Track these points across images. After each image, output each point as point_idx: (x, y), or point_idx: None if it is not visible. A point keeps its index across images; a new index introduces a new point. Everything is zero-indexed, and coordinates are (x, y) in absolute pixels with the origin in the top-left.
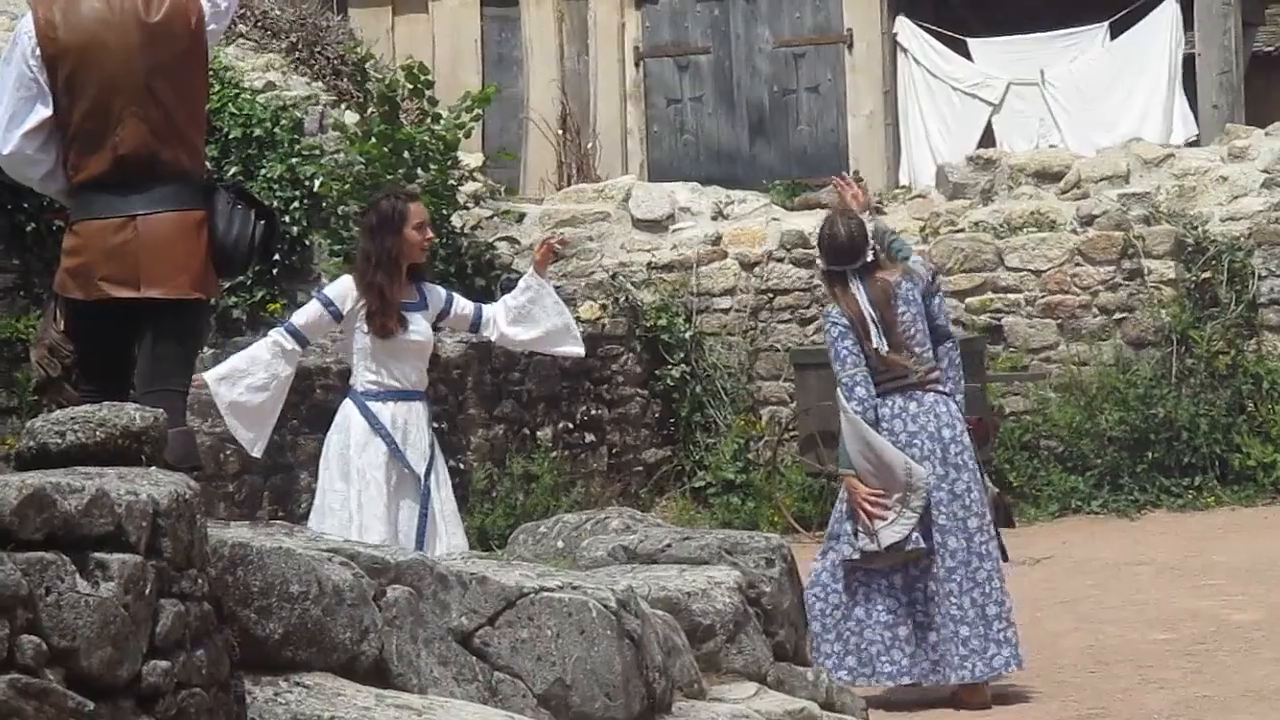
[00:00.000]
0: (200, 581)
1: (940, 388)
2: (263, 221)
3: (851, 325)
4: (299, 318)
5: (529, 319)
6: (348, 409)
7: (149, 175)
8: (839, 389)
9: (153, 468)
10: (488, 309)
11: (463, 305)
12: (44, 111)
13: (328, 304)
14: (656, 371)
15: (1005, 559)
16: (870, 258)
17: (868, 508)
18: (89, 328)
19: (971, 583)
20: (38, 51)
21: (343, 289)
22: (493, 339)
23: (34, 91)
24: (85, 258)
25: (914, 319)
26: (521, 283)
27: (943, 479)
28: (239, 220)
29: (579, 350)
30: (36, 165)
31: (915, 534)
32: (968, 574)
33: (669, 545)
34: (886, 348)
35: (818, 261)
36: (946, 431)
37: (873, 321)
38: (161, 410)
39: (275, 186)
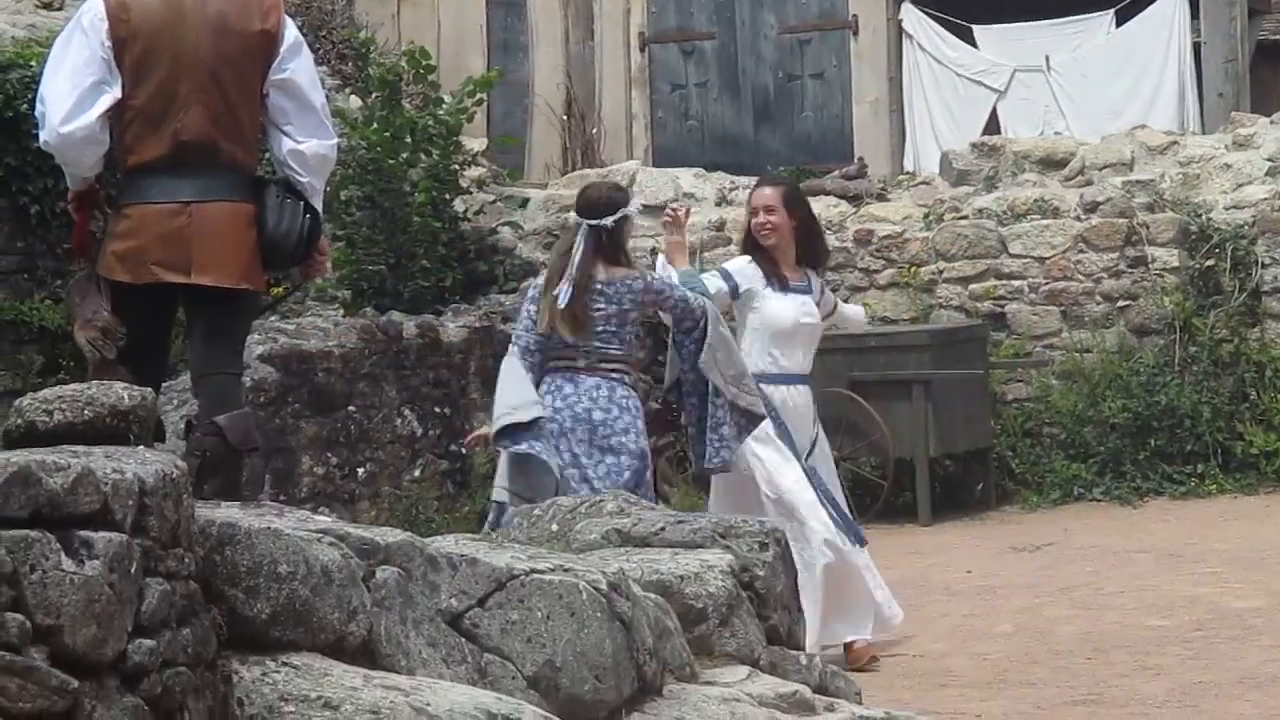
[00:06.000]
0: (187, 560)
1: (613, 375)
2: (309, 215)
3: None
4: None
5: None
6: None
7: (206, 164)
8: (511, 343)
9: (140, 446)
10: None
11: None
12: (115, 93)
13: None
14: (660, 357)
15: None
16: (610, 225)
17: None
18: (130, 311)
19: None
20: (108, 33)
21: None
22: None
23: (105, 74)
24: (138, 241)
25: (610, 318)
26: None
27: (579, 456)
28: (289, 214)
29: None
30: (99, 146)
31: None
32: None
33: (663, 528)
34: (565, 302)
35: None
36: (598, 414)
37: (569, 278)
38: (150, 390)
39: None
